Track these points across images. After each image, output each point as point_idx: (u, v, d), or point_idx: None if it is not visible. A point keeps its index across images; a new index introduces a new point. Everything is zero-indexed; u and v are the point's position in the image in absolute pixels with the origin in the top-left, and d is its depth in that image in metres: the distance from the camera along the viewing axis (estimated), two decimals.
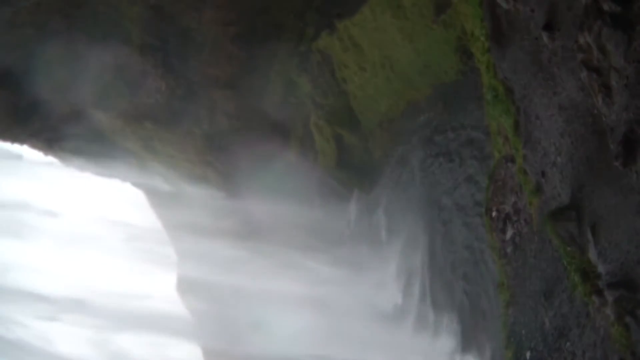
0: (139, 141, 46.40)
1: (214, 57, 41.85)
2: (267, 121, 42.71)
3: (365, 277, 38.62)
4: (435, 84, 33.52)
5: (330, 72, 39.44)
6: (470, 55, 28.64)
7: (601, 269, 14.51)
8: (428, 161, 34.28)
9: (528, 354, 19.93)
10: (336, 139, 40.98)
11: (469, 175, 30.39)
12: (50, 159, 50.02)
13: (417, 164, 35.43)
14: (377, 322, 37.57)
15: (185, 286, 57.00)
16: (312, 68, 39.96)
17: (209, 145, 44.79)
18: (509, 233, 21.49)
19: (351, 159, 41.08)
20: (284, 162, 43.45)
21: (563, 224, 15.55)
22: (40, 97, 41.52)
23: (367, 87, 38.04)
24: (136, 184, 53.20)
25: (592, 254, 14.76)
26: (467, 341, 28.72)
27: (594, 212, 14.74)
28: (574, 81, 14.76)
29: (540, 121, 17.00)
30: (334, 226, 43.48)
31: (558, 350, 17.87)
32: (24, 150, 49.57)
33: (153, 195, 53.80)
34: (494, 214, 22.59)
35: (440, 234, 32.49)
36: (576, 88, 14.79)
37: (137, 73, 42.43)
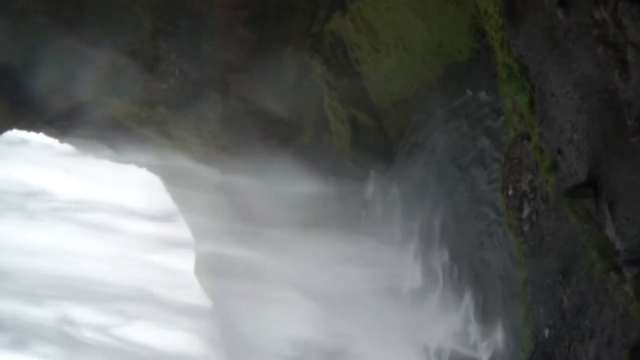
0: (153, 126, 46.50)
1: (226, 41, 41.81)
2: (281, 103, 42.71)
3: (383, 257, 38.65)
4: (448, 63, 33.36)
5: (343, 53, 39.32)
6: (484, 34, 28.45)
7: (619, 245, 14.48)
8: (444, 125, 34.29)
9: (546, 332, 19.96)
10: (350, 120, 40.89)
11: (486, 129, 30.31)
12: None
13: (433, 130, 35.43)
14: (393, 302, 37.62)
15: (203, 269, 57.25)
16: (325, 50, 39.87)
17: (223, 129, 44.82)
18: (526, 211, 21.46)
19: (366, 139, 40.98)
20: (299, 144, 43.46)
21: (580, 201, 15.50)
22: (53, 85, 41.69)
23: (381, 67, 37.90)
24: (152, 169, 53.39)
25: (609, 231, 14.73)
26: (486, 315, 28.72)
27: (612, 189, 14.69)
28: (590, 57, 14.65)
29: (555, 98, 16.91)
30: (350, 208, 43.52)
31: (577, 328, 17.90)
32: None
33: (169, 179, 54.01)
34: (510, 192, 22.56)
35: (459, 193, 32.38)
36: (592, 64, 14.68)
37: (149, 58, 42.49)
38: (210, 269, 55.45)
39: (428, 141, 36.10)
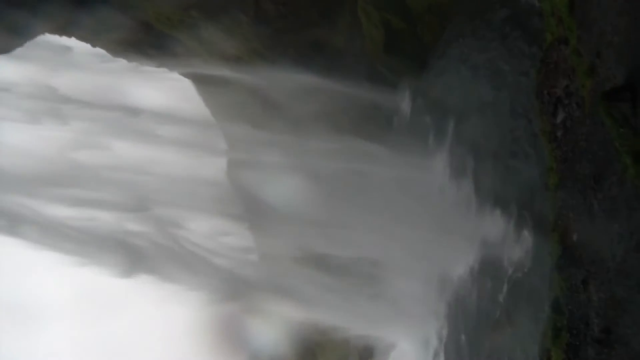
0: (185, 30, 46.26)
1: None
2: (314, 7, 42.09)
3: (414, 163, 38.79)
4: None
5: None
6: None
7: None
8: (480, 30, 33.96)
9: (575, 236, 20.19)
10: (384, 24, 40.30)
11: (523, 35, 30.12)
12: None
13: (469, 35, 35.06)
14: (423, 206, 37.96)
15: (235, 171, 57.67)
16: None
17: (256, 32, 44.46)
18: (560, 117, 21.32)
19: (400, 44, 40.52)
20: (332, 48, 42.99)
21: (617, 104, 15.41)
22: None
23: None
24: (184, 74, 53.45)
25: None
26: (515, 220, 29.03)
27: None
28: None
29: (597, 0, 16.57)
30: (383, 114, 43.36)
31: (606, 232, 18.09)
32: None
33: (201, 84, 54.06)
34: (544, 97, 22.36)
35: (492, 97, 32.37)
36: None
37: None
38: (242, 172, 55.86)
39: (463, 46, 35.63)
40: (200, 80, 53.81)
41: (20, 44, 44.33)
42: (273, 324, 52.80)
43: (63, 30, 45.40)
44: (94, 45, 49.63)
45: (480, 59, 34.14)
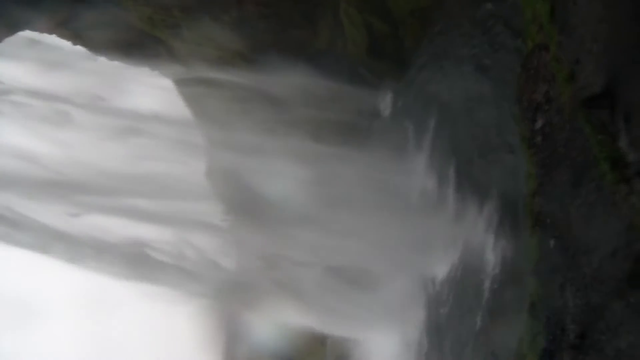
0: (166, 30, 46.03)
1: None
2: (296, 9, 42.05)
3: (394, 166, 38.80)
4: None
5: None
6: None
7: (632, 157, 14.57)
8: (462, 36, 34.03)
9: (552, 242, 20.26)
10: (366, 27, 40.34)
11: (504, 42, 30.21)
12: None
13: (451, 40, 35.12)
14: (403, 210, 37.96)
15: (215, 173, 57.47)
16: None
17: (237, 33, 44.32)
18: (539, 123, 21.40)
19: (382, 47, 40.58)
20: (314, 50, 42.91)
21: (595, 111, 15.50)
22: None
23: None
24: (165, 73, 53.13)
25: (623, 142, 14.78)
26: (495, 225, 29.09)
27: (628, 101, 14.65)
28: None
29: (577, 7, 16.64)
30: (363, 116, 43.37)
31: (582, 239, 18.18)
32: None
33: (182, 84, 53.77)
34: (525, 103, 22.45)
35: (472, 102, 32.38)
36: None
37: None
38: (223, 173, 55.68)
39: (445, 51, 35.69)
40: (181, 82, 53.57)
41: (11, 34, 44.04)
42: (256, 325, 52.84)
43: (62, 26, 45.00)
44: (74, 44, 49.23)
45: (463, 54, 34.22)
